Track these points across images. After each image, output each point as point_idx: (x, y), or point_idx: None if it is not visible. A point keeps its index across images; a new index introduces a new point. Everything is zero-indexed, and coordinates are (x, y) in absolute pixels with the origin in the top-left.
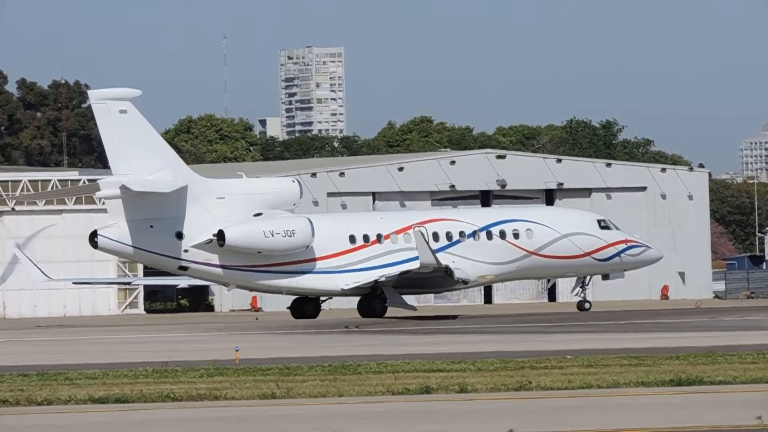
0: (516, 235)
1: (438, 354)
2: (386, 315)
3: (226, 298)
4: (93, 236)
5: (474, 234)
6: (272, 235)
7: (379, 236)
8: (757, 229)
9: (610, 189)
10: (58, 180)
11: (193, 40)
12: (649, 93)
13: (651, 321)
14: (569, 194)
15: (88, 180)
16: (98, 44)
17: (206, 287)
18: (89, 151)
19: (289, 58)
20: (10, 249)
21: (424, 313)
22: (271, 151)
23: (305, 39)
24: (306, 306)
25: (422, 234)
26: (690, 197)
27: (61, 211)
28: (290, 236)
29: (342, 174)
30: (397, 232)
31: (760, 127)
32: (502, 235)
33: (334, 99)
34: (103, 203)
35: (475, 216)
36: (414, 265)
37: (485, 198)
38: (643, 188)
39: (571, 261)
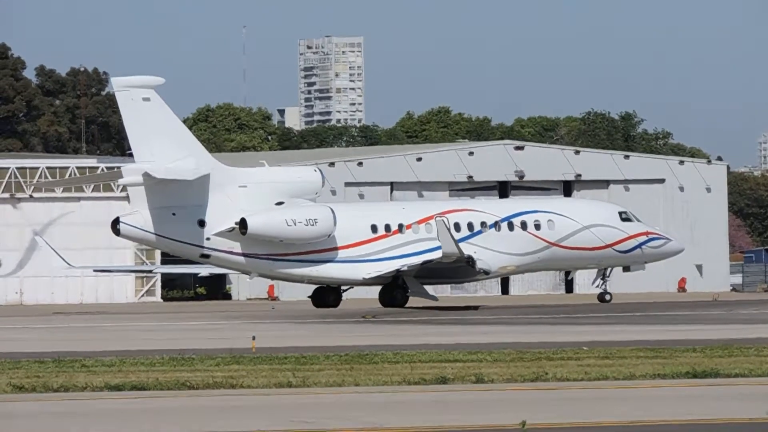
0: (537, 226)
1: (454, 344)
2: (407, 305)
3: (243, 287)
4: (115, 223)
5: (496, 225)
6: (294, 224)
7: (400, 226)
8: None
9: (628, 181)
10: (76, 167)
11: (213, 29)
12: (668, 85)
13: (668, 313)
14: (587, 186)
15: (107, 167)
16: (117, 32)
17: (224, 276)
18: (107, 139)
19: (309, 47)
20: (27, 236)
21: (444, 304)
22: (289, 141)
23: (324, 28)
24: (327, 295)
25: (444, 224)
26: (708, 190)
27: (79, 199)
28: (312, 225)
29: (360, 164)
30: (419, 222)
31: None
32: (524, 226)
33: (353, 89)
34: (122, 190)
35: (496, 207)
36: (436, 255)
37: (503, 189)
38: (661, 180)
39: (593, 252)
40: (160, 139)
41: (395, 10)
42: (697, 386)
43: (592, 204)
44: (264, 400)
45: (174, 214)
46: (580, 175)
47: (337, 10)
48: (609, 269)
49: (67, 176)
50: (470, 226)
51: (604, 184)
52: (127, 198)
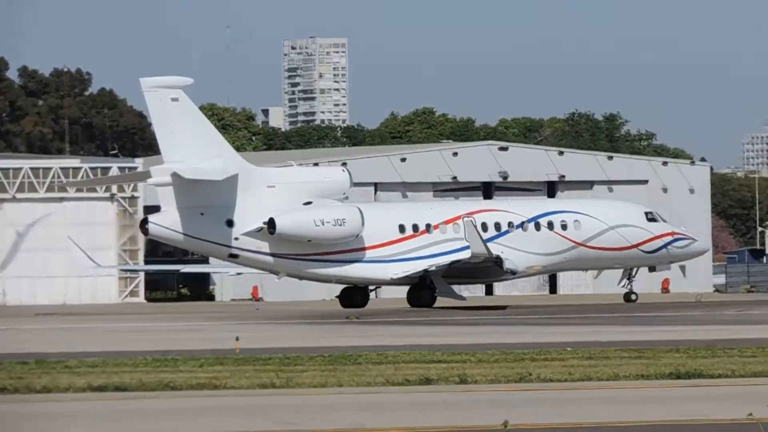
0: (564, 227)
1: (438, 345)
2: (435, 305)
3: (227, 288)
4: (144, 223)
5: (522, 225)
6: (322, 224)
7: (428, 226)
8: (757, 223)
9: (612, 182)
10: (60, 168)
11: (197, 29)
12: (652, 86)
13: (651, 314)
14: (571, 186)
15: (90, 168)
16: (100, 32)
17: (207, 276)
18: (90, 139)
19: (293, 48)
20: (10, 236)
21: (472, 304)
22: (273, 141)
23: (309, 29)
24: (355, 295)
25: (473, 224)
26: (691, 191)
27: (61, 199)
28: (340, 225)
29: (344, 164)
30: (447, 222)
31: (762, 121)
32: (551, 226)
33: (337, 89)
34: (105, 191)
35: (523, 207)
36: (464, 255)
37: (487, 189)
38: (645, 182)
39: (619, 253)
40: (189, 139)
41: (379, 11)
42: (680, 387)
43: (618, 204)
44: (248, 401)
45: (202, 213)
46: (564, 176)
47: (322, 11)
48: (635, 269)
49: (50, 177)
50: (497, 226)
51: (588, 185)
52: (110, 199)
